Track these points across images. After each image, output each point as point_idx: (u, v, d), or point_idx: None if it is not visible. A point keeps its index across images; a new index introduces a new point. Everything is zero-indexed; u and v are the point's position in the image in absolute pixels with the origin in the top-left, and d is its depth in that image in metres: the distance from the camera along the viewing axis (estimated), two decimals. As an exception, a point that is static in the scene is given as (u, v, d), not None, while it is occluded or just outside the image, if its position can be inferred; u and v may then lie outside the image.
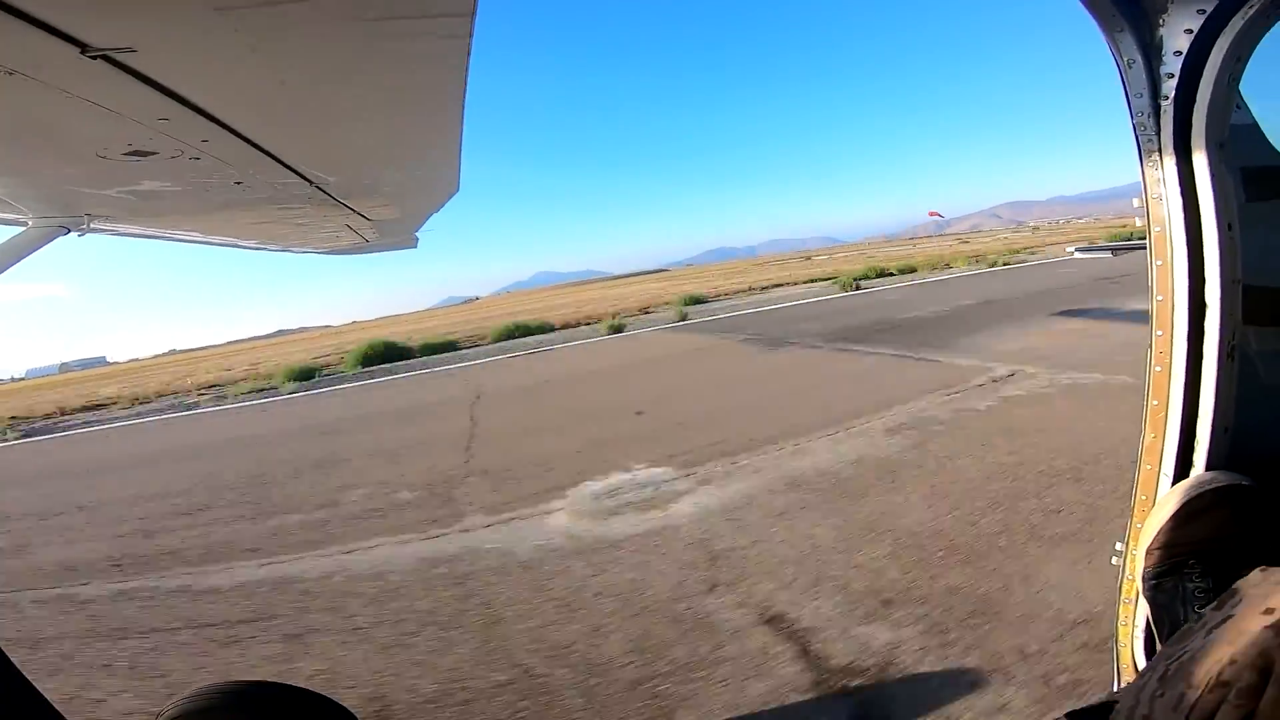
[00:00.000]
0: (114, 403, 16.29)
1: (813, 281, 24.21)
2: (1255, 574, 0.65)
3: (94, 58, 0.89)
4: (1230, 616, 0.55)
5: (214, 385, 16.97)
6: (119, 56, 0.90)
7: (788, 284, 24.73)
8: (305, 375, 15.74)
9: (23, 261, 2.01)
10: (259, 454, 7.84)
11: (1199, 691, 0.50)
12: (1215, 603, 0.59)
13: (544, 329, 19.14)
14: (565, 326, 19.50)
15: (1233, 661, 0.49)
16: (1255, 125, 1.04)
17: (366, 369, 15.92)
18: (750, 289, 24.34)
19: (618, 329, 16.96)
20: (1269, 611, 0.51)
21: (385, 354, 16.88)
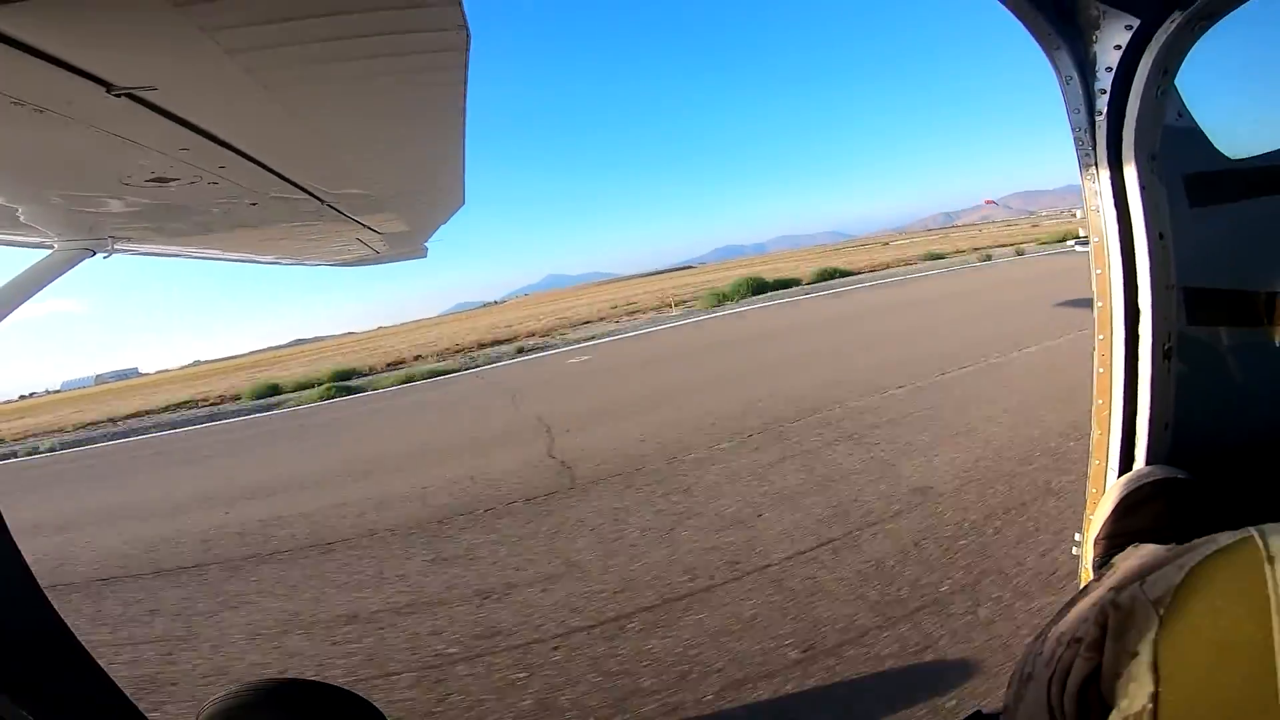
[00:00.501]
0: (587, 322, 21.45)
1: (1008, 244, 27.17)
2: (1129, 549, 0.72)
3: (118, 96, 0.96)
4: (1099, 585, 0.61)
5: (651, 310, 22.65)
6: (142, 94, 0.97)
7: (997, 246, 27.34)
8: (725, 298, 21.01)
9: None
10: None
11: (1061, 648, 0.57)
12: (1096, 576, 0.65)
13: (848, 273, 23.81)
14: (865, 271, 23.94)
15: (1084, 619, 0.56)
16: (1199, 131, 1.06)
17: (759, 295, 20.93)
18: (979, 248, 27.35)
19: (987, 257, 20.62)
20: (1120, 577, 0.57)
21: (760, 288, 21.54)
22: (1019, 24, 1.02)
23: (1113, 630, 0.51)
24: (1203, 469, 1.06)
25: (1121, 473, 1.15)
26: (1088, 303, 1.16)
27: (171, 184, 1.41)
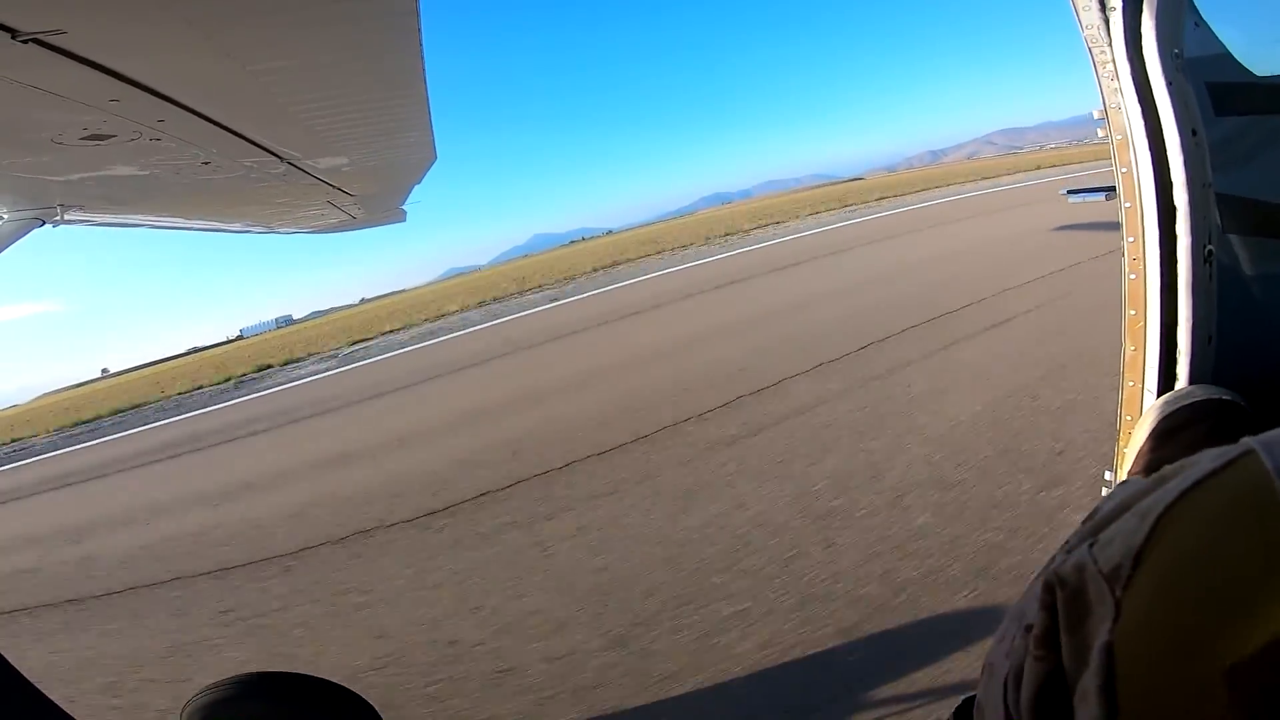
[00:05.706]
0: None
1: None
2: (1118, 486, 0.54)
3: (25, 42, 0.86)
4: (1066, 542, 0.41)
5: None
6: (51, 39, 0.87)
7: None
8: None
9: (3, 254, 1.99)
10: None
11: (1016, 631, 0.39)
12: (1081, 524, 0.44)
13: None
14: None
15: (1032, 596, 0.38)
16: (1220, 43, 0.97)
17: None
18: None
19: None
20: (1081, 532, 0.39)
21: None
22: None
23: (1064, 618, 0.33)
24: (1251, 389, 0.94)
25: (1161, 395, 1.01)
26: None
27: (109, 141, 1.30)
